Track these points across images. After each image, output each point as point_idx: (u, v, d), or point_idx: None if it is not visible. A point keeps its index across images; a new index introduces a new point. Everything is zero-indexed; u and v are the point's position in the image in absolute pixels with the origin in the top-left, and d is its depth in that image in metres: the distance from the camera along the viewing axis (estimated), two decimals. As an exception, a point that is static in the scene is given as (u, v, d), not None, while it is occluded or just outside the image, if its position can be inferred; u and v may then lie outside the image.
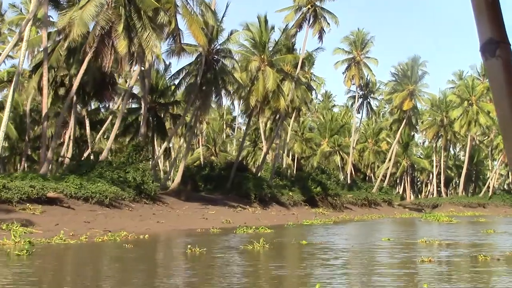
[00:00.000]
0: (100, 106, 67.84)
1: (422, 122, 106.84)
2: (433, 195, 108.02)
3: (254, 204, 57.39)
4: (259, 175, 70.37)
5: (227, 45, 55.35)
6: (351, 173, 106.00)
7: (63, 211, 32.93)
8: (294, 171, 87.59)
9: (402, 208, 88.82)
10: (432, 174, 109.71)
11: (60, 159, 56.06)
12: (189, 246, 21.18)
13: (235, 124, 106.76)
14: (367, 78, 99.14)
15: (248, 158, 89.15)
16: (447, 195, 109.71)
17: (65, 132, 65.02)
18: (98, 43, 40.12)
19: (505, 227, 42.12)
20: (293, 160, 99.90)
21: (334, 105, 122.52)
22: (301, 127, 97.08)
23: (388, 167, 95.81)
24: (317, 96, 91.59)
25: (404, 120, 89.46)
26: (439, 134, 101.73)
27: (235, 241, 26.26)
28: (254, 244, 22.33)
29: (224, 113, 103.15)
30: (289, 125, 78.74)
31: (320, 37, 66.79)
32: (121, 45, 39.48)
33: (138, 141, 48.86)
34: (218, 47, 54.98)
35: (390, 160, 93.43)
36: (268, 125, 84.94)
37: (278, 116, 67.01)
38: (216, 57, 54.71)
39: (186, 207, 46.18)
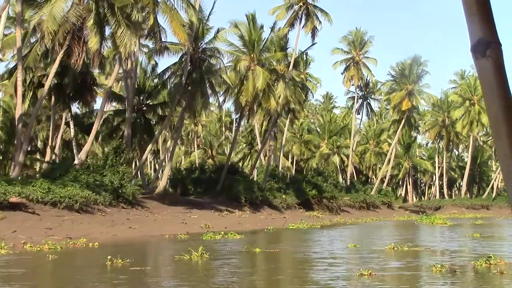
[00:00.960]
0: (94, 109, 66.17)
1: (424, 123, 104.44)
2: (436, 197, 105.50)
3: (245, 207, 55.38)
4: (254, 178, 68.35)
5: (214, 44, 53.34)
6: (351, 175, 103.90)
7: (25, 217, 30.90)
8: (294, 174, 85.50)
9: (403, 211, 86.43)
10: (435, 176, 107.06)
11: (44, 164, 54.22)
12: (109, 257, 18.65)
13: (235, 127, 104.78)
14: (366, 79, 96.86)
15: (244, 161, 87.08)
16: (450, 197, 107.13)
17: (57, 135, 63.50)
18: (70, 40, 38.10)
19: (497, 230, 39.85)
20: (292, 162, 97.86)
21: (334, 106, 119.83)
22: (300, 129, 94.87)
23: (387, 169, 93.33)
24: (313, 96, 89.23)
25: (403, 121, 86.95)
26: (441, 135, 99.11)
27: (181, 249, 24.02)
28: (193, 253, 19.96)
29: (223, 115, 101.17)
30: (285, 126, 76.62)
31: (313, 36, 64.72)
32: (92, 41, 37.48)
33: (119, 143, 46.87)
34: (205, 46, 52.95)
35: (389, 162, 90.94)
36: (264, 127, 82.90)
37: (271, 117, 64.86)
38: (202, 56, 52.68)
39: (168, 211, 44.14)
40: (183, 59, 50.71)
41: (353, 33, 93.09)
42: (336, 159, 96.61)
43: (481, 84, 2.43)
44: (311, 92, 79.31)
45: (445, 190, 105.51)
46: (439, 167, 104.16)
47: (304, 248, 27.03)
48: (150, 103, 58.14)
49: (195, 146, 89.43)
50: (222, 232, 31.57)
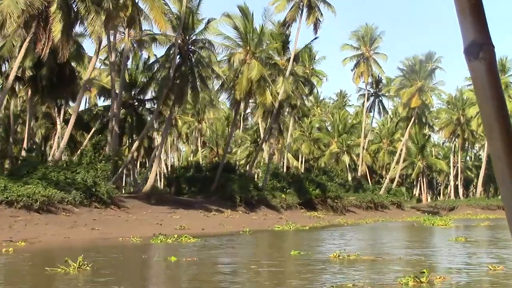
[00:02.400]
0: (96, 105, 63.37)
1: (439, 121, 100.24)
2: (451, 198, 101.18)
3: (239, 207, 52.11)
4: (253, 176, 65.00)
5: (206, 36, 50.07)
6: (364, 175, 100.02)
7: (-28, 217, 27.95)
8: (301, 173, 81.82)
9: (414, 211, 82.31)
10: (450, 176, 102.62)
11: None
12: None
13: (246, 125, 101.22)
14: (378, 76, 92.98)
15: (249, 159, 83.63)
16: (466, 197, 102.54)
17: (55, 133, 60.82)
18: (35, 27, 35.03)
19: (493, 234, 35.99)
20: (302, 161, 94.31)
21: (346, 104, 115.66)
22: (309, 127, 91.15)
23: (398, 168, 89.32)
24: (317, 91, 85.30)
25: (413, 118, 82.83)
26: (456, 133, 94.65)
27: (108, 255, 20.63)
28: (71, 264, 15.93)
29: (232, 113, 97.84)
30: (290, 123, 73.13)
31: (316, 29, 61.06)
32: (56, 29, 34.32)
33: (98, 140, 43.83)
34: (195, 37, 49.69)
35: (398, 161, 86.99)
36: (269, 124, 79.36)
37: (274, 112, 61.42)
38: (192, 48, 49.44)
39: (149, 211, 40.98)
40: (171, 51, 47.47)
41: (363, 28, 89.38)
42: (346, 158, 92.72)
43: (474, 86, 2.41)
44: (314, 87, 75.38)
45: (460, 190, 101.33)
46: (454, 167, 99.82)
47: (236, 255, 23.23)
48: (142, 98, 55.08)
49: (199, 145, 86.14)
50: (176, 235, 28.06)
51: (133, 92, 54.57)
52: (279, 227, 40.30)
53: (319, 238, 33.10)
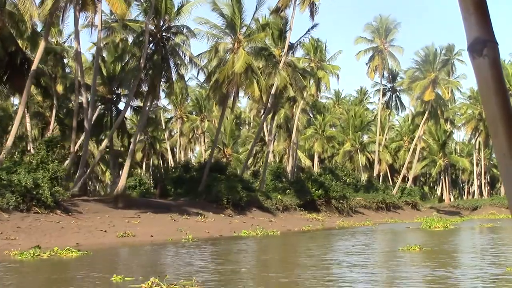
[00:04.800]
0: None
1: (460, 116, 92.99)
2: (474, 197, 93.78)
3: (227, 210, 46.29)
4: (261, 176, 59.18)
5: (183, 21, 44.47)
6: (384, 174, 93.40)
7: None
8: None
9: (433, 211, 75.38)
10: (475, 174, 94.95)
11: None
12: None
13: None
14: (394, 70, 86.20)
15: (256, 159, 77.94)
16: (492, 196, 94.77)
17: (47, 131, 56.02)
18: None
19: (469, 241, 29.43)
20: (316, 161, 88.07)
21: (362, 101, 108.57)
22: (322, 124, 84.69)
23: (416, 167, 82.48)
24: (324, 86, 78.80)
25: (426, 113, 75.71)
26: (479, 129, 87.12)
27: None
28: None
29: (242, 111, 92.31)
30: (295, 117, 67.01)
31: (312, 15, 54.68)
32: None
33: (51, 136, 38.52)
34: (169, 23, 44.02)
35: (412, 160, 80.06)
36: (276, 121, 73.42)
37: (268, 105, 55.52)
38: (166, 35, 43.82)
39: (106, 216, 35.42)
40: (141, 39, 41.87)
41: (378, 20, 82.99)
42: (360, 156, 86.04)
43: (478, 83, 2.39)
44: (319, 80, 69.09)
45: (486, 188, 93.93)
46: (477, 164, 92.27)
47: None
48: (121, 93, 49.66)
49: (202, 144, 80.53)
50: (56, 248, 22.05)
51: (112, 86, 49.20)
52: (246, 233, 34.28)
53: (241, 249, 26.37)
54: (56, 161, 36.23)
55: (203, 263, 20.13)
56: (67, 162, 44.08)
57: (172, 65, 43.43)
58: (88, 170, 42.26)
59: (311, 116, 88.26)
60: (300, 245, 27.90)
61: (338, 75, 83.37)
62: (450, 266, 17.89)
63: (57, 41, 55.94)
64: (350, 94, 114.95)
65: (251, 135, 78.14)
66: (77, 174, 42.98)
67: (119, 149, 73.52)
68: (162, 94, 76.96)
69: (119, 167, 71.55)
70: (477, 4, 2.36)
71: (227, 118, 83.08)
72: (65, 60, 55.17)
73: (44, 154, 36.11)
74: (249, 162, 78.85)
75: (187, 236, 30.11)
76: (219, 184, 47.52)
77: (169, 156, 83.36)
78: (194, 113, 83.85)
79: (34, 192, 32.12)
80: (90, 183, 71.07)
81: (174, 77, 43.96)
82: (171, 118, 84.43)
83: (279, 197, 53.13)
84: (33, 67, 35.19)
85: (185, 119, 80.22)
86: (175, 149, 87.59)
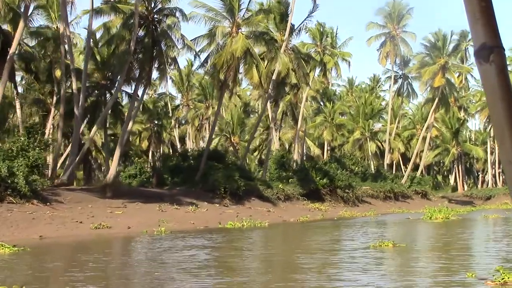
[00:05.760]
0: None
1: (474, 104, 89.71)
2: (488, 186, 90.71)
3: (225, 200, 44.13)
4: (266, 165, 56.86)
5: (174, 3, 42.06)
6: (397, 163, 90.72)
7: None
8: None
9: (444, 201, 72.51)
10: (489, 163, 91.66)
11: None
12: None
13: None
14: (406, 56, 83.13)
15: (261, 147, 75.60)
16: (506, 185, 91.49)
17: (48, 119, 54.21)
18: None
19: (457, 236, 26.71)
20: (329, 149, 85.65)
21: (373, 88, 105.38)
22: (332, 112, 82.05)
23: (428, 155, 79.62)
24: (335, 72, 76.24)
25: (436, 100, 72.64)
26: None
27: None
28: None
29: (251, 99, 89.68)
30: (301, 104, 64.45)
31: (314, -3, 52.07)
32: None
33: (32, 123, 36.60)
34: (160, 5, 41.77)
35: (422, 148, 77.20)
36: (281, 108, 71.00)
37: (269, 91, 53.18)
38: (158, 17, 41.56)
39: (89, 206, 33.42)
40: (131, 21, 39.66)
41: (390, 4, 79.93)
42: (370, 144, 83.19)
43: (484, 89, 2.37)
44: (325, 66, 66.41)
45: (499, 178, 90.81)
46: (491, 153, 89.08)
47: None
48: (116, 79, 47.47)
49: (207, 131, 78.11)
50: None
51: (106, 72, 47.12)
52: (231, 224, 31.99)
53: (193, 246, 23.38)
54: (37, 148, 34.29)
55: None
56: (68, 149, 42.46)
57: (164, 48, 41.18)
58: (77, 158, 40.07)
59: (322, 104, 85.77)
60: (271, 240, 25.26)
61: (349, 62, 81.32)
62: (405, 271, 15.16)
63: (57, 26, 54.06)
64: (363, 82, 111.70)
65: (259, 124, 75.84)
66: (67, 162, 41.03)
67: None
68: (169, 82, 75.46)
69: (123, 156, 69.77)
70: (484, 10, 2.30)
71: (235, 106, 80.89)
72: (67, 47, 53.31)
73: (25, 141, 34.17)
74: (256, 152, 76.78)
75: (159, 228, 27.81)
76: (216, 173, 45.36)
77: (177, 145, 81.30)
78: (202, 100, 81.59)
79: (9, 181, 30.16)
80: (93, 172, 69.36)
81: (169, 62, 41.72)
82: (178, 105, 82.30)
83: (280, 186, 50.86)
84: (12, 49, 33.16)
85: (192, 107, 78.09)
86: (186, 138, 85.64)
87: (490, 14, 2.32)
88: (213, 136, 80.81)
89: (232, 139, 76.57)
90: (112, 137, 66.21)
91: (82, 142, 62.75)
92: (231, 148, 75.74)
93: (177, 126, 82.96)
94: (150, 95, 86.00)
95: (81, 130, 52.84)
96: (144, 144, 78.67)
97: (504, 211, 50.40)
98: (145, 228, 28.37)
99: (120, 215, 32.22)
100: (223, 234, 26.73)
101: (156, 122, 78.22)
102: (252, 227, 31.65)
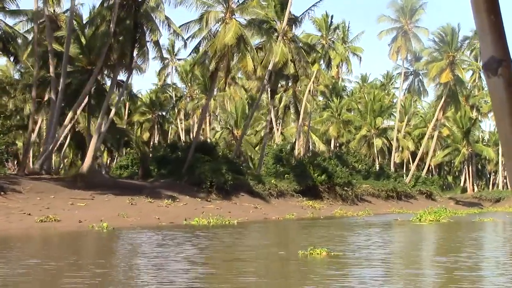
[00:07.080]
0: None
1: (487, 103, 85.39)
2: (499, 188, 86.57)
3: (211, 194, 40.96)
4: (262, 159, 53.69)
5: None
6: (406, 162, 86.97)
7: None
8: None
9: (450, 202, 68.79)
10: (500, 164, 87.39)
11: None
12: None
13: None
14: (418, 53, 79.22)
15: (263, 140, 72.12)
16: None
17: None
18: None
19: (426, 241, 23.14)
20: (337, 146, 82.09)
21: (384, 84, 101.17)
22: (339, 108, 78.40)
23: (438, 155, 75.75)
24: (346, 67, 72.81)
25: (443, 97, 68.62)
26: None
27: None
28: None
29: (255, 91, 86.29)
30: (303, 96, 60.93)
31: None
32: None
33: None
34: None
35: (429, 147, 73.43)
36: (284, 101, 67.70)
37: (265, 82, 49.91)
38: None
39: (51, 196, 30.47)
40: (111, 2, 36.54)
41: (404, -2, 75.96)
42: (377, 142, 79.30)
43: (492, 102, 2.34)
44: (329, 58, 62.72)
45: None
46: (503, 154, 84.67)
47: None
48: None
49: (207, 124, 74.95)
50: None
51: (91, 57, 43.99)
52: (197, 221, 28.68)
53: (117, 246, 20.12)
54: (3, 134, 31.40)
55: None
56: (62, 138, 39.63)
57: (146, 32, 38.02)
58: (51, 146, 37.07)
59: (330, 99, 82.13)
60: (213, 241, 21.63)
61: (360, 58, 77.78)
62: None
63: (54, 10, 51.21)
64: (376, 78, 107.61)
65: (261, 116, 72.60)
66: (41, 150, 38.11)
67: (122, 127, 68.97)
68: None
69: (124, 146, 66.86)
70: (493, 24, 2.25)
71: (241, 98, 77.47)
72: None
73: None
74: (257, 146, 73.40)
75: (101, 224, 24.61)
76: (203, 166, 42.18)
77: (182, 136, 78.23)
78: (203, 91, 78.41)
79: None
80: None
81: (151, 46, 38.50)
82: (181, 97, 79.18)
83: (273, 181, 47.55)
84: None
85: (195, 98, 74.99)
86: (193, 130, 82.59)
87: (499, 28, 2.26)
88: (217, 129, 78.08)
89: (235, 132, 73.28)
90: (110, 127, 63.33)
91: (77, 130, 60.29)
92: (233, 142, 72.53)
93: (182, 118, 79.93)
94: (157, 85, 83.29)
95: (76, 118, 50.24)
96: (145, 135, 75.69)
97: (505, 215, 46.74)
98: (100, 222, 25.18)
99: (81, 208, 29.19)
100: (172, 232, 23.37)
101: (159, 113, 75.28)
102: (219, 225, 28.33)
